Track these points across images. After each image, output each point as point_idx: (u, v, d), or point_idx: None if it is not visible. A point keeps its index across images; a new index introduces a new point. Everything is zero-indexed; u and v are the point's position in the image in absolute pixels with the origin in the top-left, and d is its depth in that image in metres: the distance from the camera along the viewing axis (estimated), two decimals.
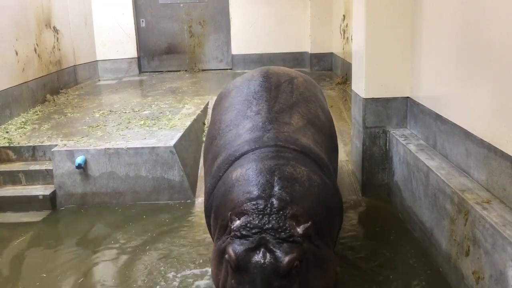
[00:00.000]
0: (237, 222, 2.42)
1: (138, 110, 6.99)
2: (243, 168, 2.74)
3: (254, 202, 2.47)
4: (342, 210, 3.12)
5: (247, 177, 2.66)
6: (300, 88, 3.64)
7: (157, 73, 10.84)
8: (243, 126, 3.16)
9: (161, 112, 6.78)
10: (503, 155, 2.96)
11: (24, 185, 5.35)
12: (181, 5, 10.67)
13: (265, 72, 3.72)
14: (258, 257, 2.29)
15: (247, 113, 3.28)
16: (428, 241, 3.84)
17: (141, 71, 10.90)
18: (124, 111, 6.96)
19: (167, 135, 5.56)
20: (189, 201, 5.17)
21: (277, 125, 3.09)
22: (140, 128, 5.96)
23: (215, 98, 7.58)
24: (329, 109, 4.05)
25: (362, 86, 4.80)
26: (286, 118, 3.19)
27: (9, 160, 5.59)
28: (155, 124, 6.09)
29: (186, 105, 7.17)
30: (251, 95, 3.45)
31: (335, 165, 3.55)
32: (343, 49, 8.68)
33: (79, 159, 5.12)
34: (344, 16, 8.54)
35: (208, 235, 3.67)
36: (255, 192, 2.54)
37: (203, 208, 3.11)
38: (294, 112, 3.30)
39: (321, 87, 4.33)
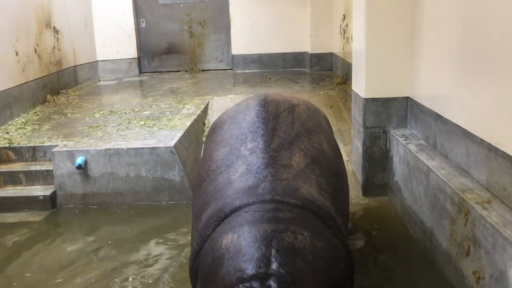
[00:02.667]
0: None
1: (138, 111, 6.99)
2: (234, 233, 2.29)
3: (248, 285, 2.07)
4: (353, 275, 2.66)
5: (238, 247, 2.21)
6: (302, 117, 3.23)
7: (157, 73, 10.85)
8: (235, 169, 2.74)
9: (161, 113, 6.78)
10: (503, 155, 2.96)
11: (25, 186, 5.35)
12: (181, 5, 10.67)
13: (262, 100, 3.31)
14: None
15: (240, 151, 2.86)
16: (428, 241, 3.84)
17: (141, 71, 10.90)
18: (124, 112, 6.96)
19: (167, 136, 5.56)
20: (189, 201, 5.18)
21: (274, 170, 2.63)
22: (140, 129, 5.96)
23: (215, 98, 7.70)
24: (335, 140, 3.64)
25: (362, 86, 4.80)
26: (285, 159, 2.75)
27: (9, 161, 5.59)
28: (155, 125, 6.10)
29: (186, 106, 7.17)
30: (246, 128, 3.06)
31: (344, 209, 3.05)
32: (343, 49, 8.68)
33: (79, 160, 5.13)
34: (344, 16, 8.54)
35: None
36: (249, 270, 2.10)
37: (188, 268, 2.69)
38: (295, 149, 2.87)
39: (325, 115, 3.88)
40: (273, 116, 3.12)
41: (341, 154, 3.43)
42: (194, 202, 3.00)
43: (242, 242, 2.21)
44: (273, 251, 2.14)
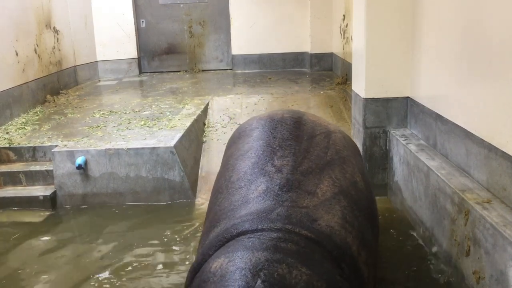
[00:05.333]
0: None
1: (138, 111, 6.99)
2: (226, 257, 2.12)
3: None
4: None
5: (224, 272, 2.04)
6: (338, 145, 3.01)
7: (157, 73, 10.84)
8: (255, 187, 2.55)
9: (161, 113, 6.78)
10: (503, 155, 2.96)
11: (25, 186, 5.35)
12: (181, 5, 10.67)
13: (299, 117, 3.11)
14: None
15: (266, 167, 2.66)
16: (428, 241, 3.84)
17: (141, 71, 10.90)
18: (124, 112, 6.96)
19: (167, 136, 5.56)
20: (189, 201, 5.17)
21: (296, 195, 2.42)
22: (140, 129, 5.96)
23: (215, 98, 7.70)
24: (367, 175, 3.34)
25: (362, 86, 4.79)
26: (311, 185, 2.54)
27: (9, 161, 5.59)
28: (155, 125, 6.10)
29: (186, 106, 7.17)
30: (277, 142, 2.86)
31: (371, 251, 2.62)
32: (343, 49, 8.68)
33: (79, 160, 5.12)
34: (344, 16, 8.54)
35: None
36: None
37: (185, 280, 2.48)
38: (324, 175, 2.65)
39: (358, 149, 3.61)
40: (308, 136, 2.94)
41: (372, 191, 3.18)
42: (208, 215, 2.84)
43: (229, 268, 2.04)
44: (259, 281, 1.93)
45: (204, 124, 6.73)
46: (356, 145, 3.51)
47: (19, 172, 5.36)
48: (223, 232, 2.33)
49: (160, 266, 3.92)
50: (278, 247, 2.10)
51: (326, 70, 10.13)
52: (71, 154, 5.20)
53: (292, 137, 2.90)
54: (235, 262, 2.05)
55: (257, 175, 2.63)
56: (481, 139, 3.24)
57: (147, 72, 10.94)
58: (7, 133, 6.11)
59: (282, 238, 2.16)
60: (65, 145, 5.39)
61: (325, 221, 2.33)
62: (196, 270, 2.31)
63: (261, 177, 2.60)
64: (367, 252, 2.47)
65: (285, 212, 2.30)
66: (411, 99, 4.68)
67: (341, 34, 8.83)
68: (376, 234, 2.94)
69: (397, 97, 4.76)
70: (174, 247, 4.22)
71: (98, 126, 6.19)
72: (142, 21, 10.74)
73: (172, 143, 5.27)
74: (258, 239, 2.16)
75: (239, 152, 3.00)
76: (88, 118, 6.70)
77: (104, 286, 3.71)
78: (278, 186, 2.49)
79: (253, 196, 2.48)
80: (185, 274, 3.75)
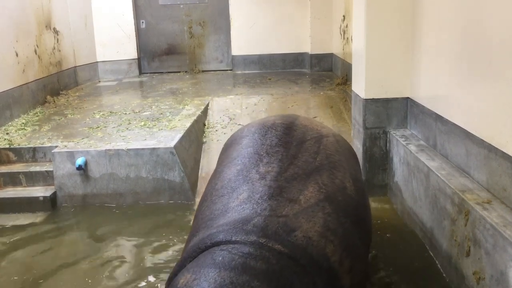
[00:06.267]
0: None
1: (139, 111, 6.99)
2: (193, 273, 2.06)
3: None
4: None
5: None
6: (329, 149, 2.93)
7: (157, 74, 10.85)
8: (237, 195, 2.49)
9: (161, 113, 6.78)
10: (503, 155, 2.96)
11: (25, 187, 5.35)
12: (181, 6, 10.67)
13: (291, 122, 3.06)
14: None
15: (250, 174, 2.60)
16: (428, 242, 3.84)
17: (141, 72, 10.90)
18: (124, 112, 6.96)
19: (167, 136, 5.56)
20: (189, 202, 5.17)
21: (276, 203, 2.35)
22: (140, 129, 5.96)
23: (215, 99, 7.70)
24: (362, 181, 3.24)
25: (362, 86, 4.80)
26: (294, 191, 2.46)
27: (9, 162, 5.59)
28: (155, 125, 6.10)
29: (186, 106, 7.17)
30: (264, 149, 2.80)
31: (358, 258, 2.52)
32: (343, 49, 8.68)
33: (79, 160, 5.12)
34: (344, 16, 8.54)
35: None
36: None
37: None
38: (310, 181, 2.56)
39: (355, 152, 3.46)
40: (297, 142, 2.86)
41: (366, 197, 3.09)
42: (193, 223, 2.78)
43: (192, 287, 1.98)
44: None
45: (204, 125, 6.73)
46: (352, 148, 3.42)
47: (19, 173, 5.36)
48: (199, 243, 2.27)
49: (160, 267, 3.91)
50: (247, 267, 2.02)
51: (326, 71, 10.14)
52: (71, 155, 5.21)
53: (281, 143, 2.83)
54: (199, 282, 1.98)
55: (241, 182, 2.57)
56: (481, 140, 3.24)
57: (147, 73, 10.94)
58: (7, 133, 6.11)
59: (253, 254, 2.07)
60: (65, 146, 5.39)
61: (303, 231, 2.25)
62: (170, 281, 2.26)
63: (244, 184, 2.54)
64: (352, 260, 2.39)
65: (262, 222, 2.22)
66: (411, 99, 4.68)
67: (341, 35, 8.83)
68: (366, 239, 2.84)
69: (397, 98, 4.76)
70: (174, 248, 4.22)
71: (98, 127, 6.19)
72: (142, 22, 10.74)
73: (172, 143, 5.27)
74: (229, 253, 2.09)
75: (227, 159, 2.96)
76: (88, 119, 6.70)
77: (103, 287, 3.71)
78: (259, 194, 2.42)
79: (234, 205, 2.42)
80: None
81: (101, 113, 6.98)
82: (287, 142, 2.83)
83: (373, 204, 4.85)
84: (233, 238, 2.16)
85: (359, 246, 2.59)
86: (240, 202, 2.42)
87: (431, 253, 3.77)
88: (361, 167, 4.94)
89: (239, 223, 2.25)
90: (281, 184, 2.48)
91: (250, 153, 2.82)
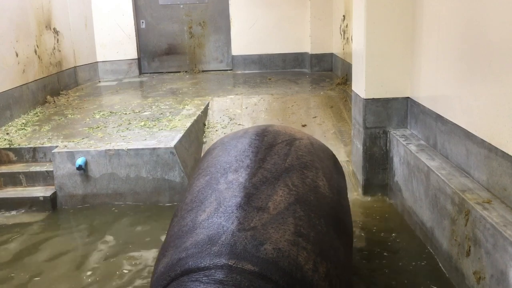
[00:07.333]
0: None
1: (139, 111, 6.99)
2: None
3: None
4: None
5: None
6: (300, 151, 2.84)
7: (157, 74, 10.85)
8: (205, 207, 2.40)
9: (162, 113, 6.78)
10: (503, 155, 2.96)
11: (25, 187, 5.35)
12: (181, 6, 10.67)
13: (262, 130, 2.99)
14: None
15: (219, 184, 2.51)
16: (428, 242, 3.84)
17: (141, 72, 10.90)
18: (124, 112, 6.97)
19: (167, 136, 5.56)
20: None
21: (244, 214, 2.25)
22: (140, 129, 5.96)
23: (215, 99, 7.70)
24: (342, 181, 3.12)
25: (363, 86, 4.80)
26: (263, 198, 2.37)
27: (9, 162, 5.59)
28: (155, 125, 6.10)
29: (186, 106, 7.17)
30: (233, 156, 2.73)
31: (336, 260, 2.40)
32: (343, 49, 8.68)
33: (79, 161, 5.13)
34: (344, 16, 8.54)
35: None
36: None
37: None
38: (280, 184, 2.48)
39: (335, 155, 3.33)
40: (266, 146, 2.78)
41: (344, 197, 3.00)
42: (164, 238, 2.64)
43: None
44: None
45: (204, 125, 6.73)
46: (329, 151, 3.30)
47: (19, 173, 5.36)
48: (168, 270, 2.19)
49: None
50: None
51: (326, 71, 10.14)
52: (71, 155, 5.21)
53: (249, 150, 2.75)
54: None
55: (209, 193, 2.48)
56: (481, 139, 3.24)
57: (147, 73, 10.95)
58: (7, 134, 6.11)
59: (225, 281, 2.01)
60: (65, 146, 5.39)
61: (272, 242, 2.16)
62: None
63: (212, 195, 2.46)
64: (328, 264, 2.29)
65: (229, 239, 2.13)
66: (411, 99, 4.68)
67: (341, 35, 8.83)
68: (345, 239, 2.71)
69: (397, 98, 4.76)
70: None
71: (98, 127, 6.19)
72: (142, 22, 10.74)
73: (172, 143, 5.27)
74: (201, 283, 2.03)
75: (198, 171, 2.89)
76: (88, 119, 6.70)
77: (103, 286, 3.72)
78: (227, 204, 2.33)
79: (201, 219, 2.32)
80: None
81: (101, 113, 6.98)
82: (256, 147, 2.76)
83: (373, 203, 4.86)
84: (202, 264, 2.08)
85: (337, 247, 2.49)
86: (208, 215, 2.33)
87: (432, 253, 3.77)
88: (361, 166, 4.95)
89: (207, 244, 2.16)
90: (249, 192, 2.39)
91: (219, 162, 2.75)
